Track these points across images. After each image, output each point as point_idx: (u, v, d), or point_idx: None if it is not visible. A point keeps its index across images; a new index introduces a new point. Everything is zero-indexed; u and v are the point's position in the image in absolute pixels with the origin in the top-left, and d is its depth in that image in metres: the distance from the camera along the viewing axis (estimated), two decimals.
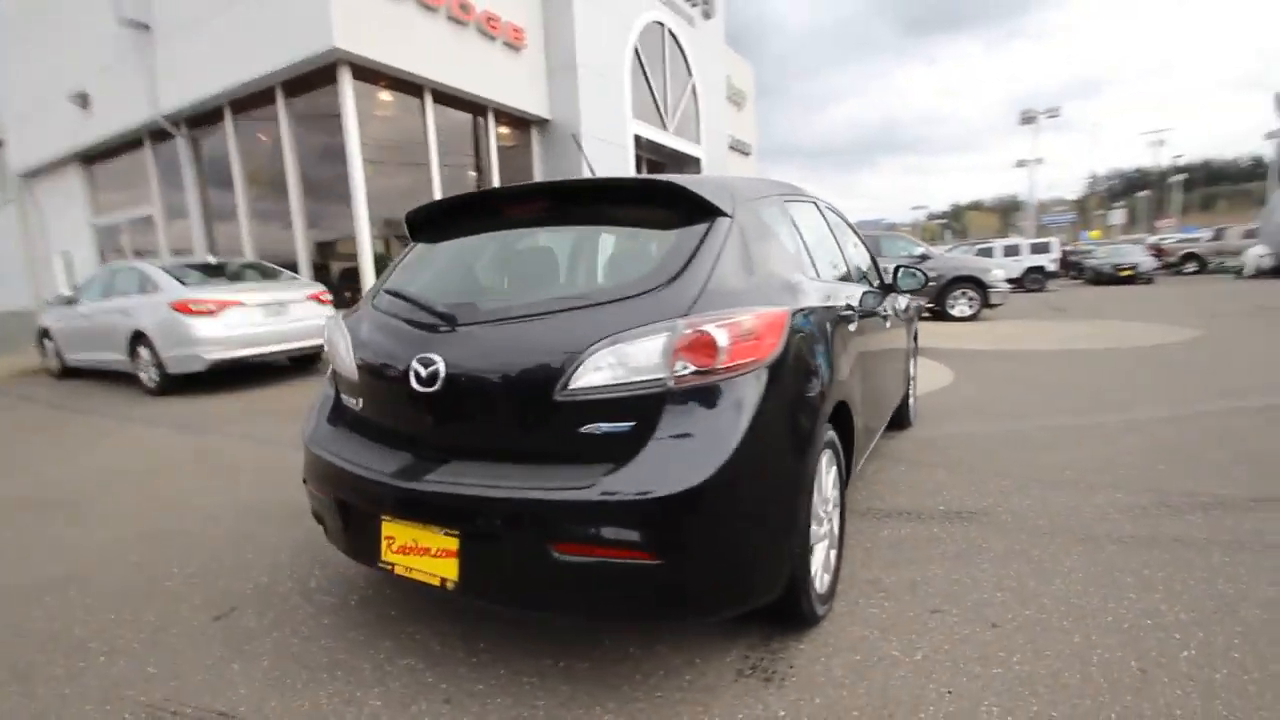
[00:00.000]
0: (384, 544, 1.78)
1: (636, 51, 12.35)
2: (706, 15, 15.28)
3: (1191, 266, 22.96)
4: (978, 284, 9.92)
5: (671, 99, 14.05)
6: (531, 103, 10.55)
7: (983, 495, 3.05)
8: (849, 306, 2.36)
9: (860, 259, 3.25)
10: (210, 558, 2.71)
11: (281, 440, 4.64)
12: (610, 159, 11.55)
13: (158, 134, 10.34)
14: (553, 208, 2.00)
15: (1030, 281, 18.61)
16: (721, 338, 1.54)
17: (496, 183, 10.51)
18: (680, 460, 1.48)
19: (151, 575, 2.57)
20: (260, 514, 3.19)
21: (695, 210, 1.82)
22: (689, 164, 15.38)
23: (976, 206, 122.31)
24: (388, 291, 2.13)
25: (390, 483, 1.72)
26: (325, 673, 1.87)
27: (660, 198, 1.87)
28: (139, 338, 6.62)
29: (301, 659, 1.95)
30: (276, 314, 6.77)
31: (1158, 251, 23.92)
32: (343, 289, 8.25)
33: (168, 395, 6.57)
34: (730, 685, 1.74)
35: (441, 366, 1.71)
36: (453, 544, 1.64)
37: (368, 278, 8.34)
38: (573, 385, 1.58)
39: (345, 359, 2.03)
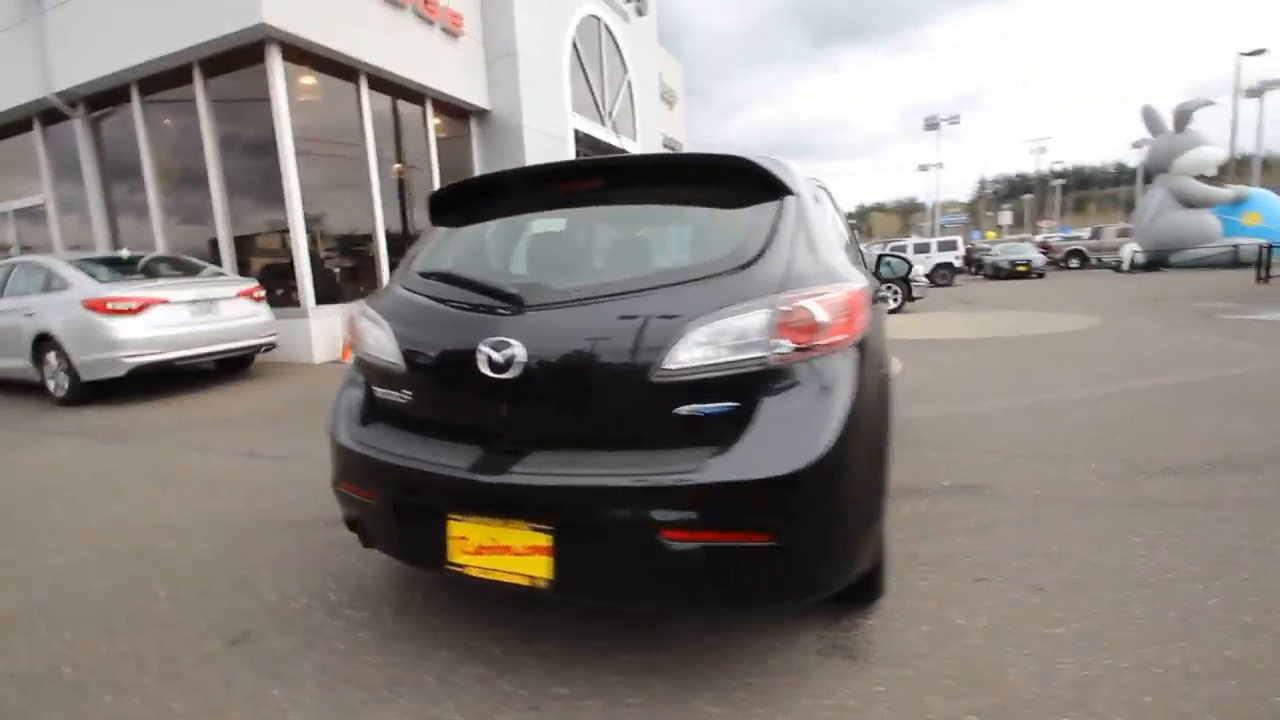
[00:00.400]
0: (453, 545, 1.65)
1: (575, 45, 12.19)
2: (640, 12, 15.30)
3: (1075, 262, 25.23)
4: (901, 279, 10.46)
5: (609, 95, 13.97)
6: (470, 92, 10.18)
7: (977, 471, 3.21)
8: (877, 290, 2.42)
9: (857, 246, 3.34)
10: (196, 577, 2.44)
11: (229, 449, 4.26)
12: (551, 153, 11.34)
13: (50, 115, 9.21)
14: (608, 185, 1.92)
15: (939, 277, 19.90)
16: (820, 314, 1.53)
17: (436, 176, 10.09)
18: (790, 438, 1.46)
19: (133, 601, 2.28)
20: (233, 527, 2.91)
21: (765, 188, 1.80)
22: None
23: (879, 208, 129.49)
24: (426, 274, 1.99)
25: (466, 477, 1.60)
26: (386, 690, 1.72)
27: (727, 175, 1.83)
28: (44, 341, 5.88)
29: (352, 679, 1.78)
30: (205, 312, 6.20)
31: (1046, 249, 26.21)
32: (273, 286, 7.64)
33: (80, 405, 5.88)
34: (818, 666, 1.74)
35: (519, 350, 1.60)
36: (544, 540, 1.54)
37: (304, 274, 7.79)
38: (671, 365, 1.52)
39: (386, 349, 1.88)
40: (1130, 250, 21.81)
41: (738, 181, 1.82)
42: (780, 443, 1.46)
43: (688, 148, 20.75)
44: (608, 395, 1.59)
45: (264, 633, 2.04)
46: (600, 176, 1.93)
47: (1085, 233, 31.02)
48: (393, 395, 1.89)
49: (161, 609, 2.22)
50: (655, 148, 16.71)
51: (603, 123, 13.64)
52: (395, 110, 9.43)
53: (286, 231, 7.82)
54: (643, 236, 2.02)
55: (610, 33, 13.89)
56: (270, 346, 6.92)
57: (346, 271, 8.93)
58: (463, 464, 1.64)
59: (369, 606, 2.16)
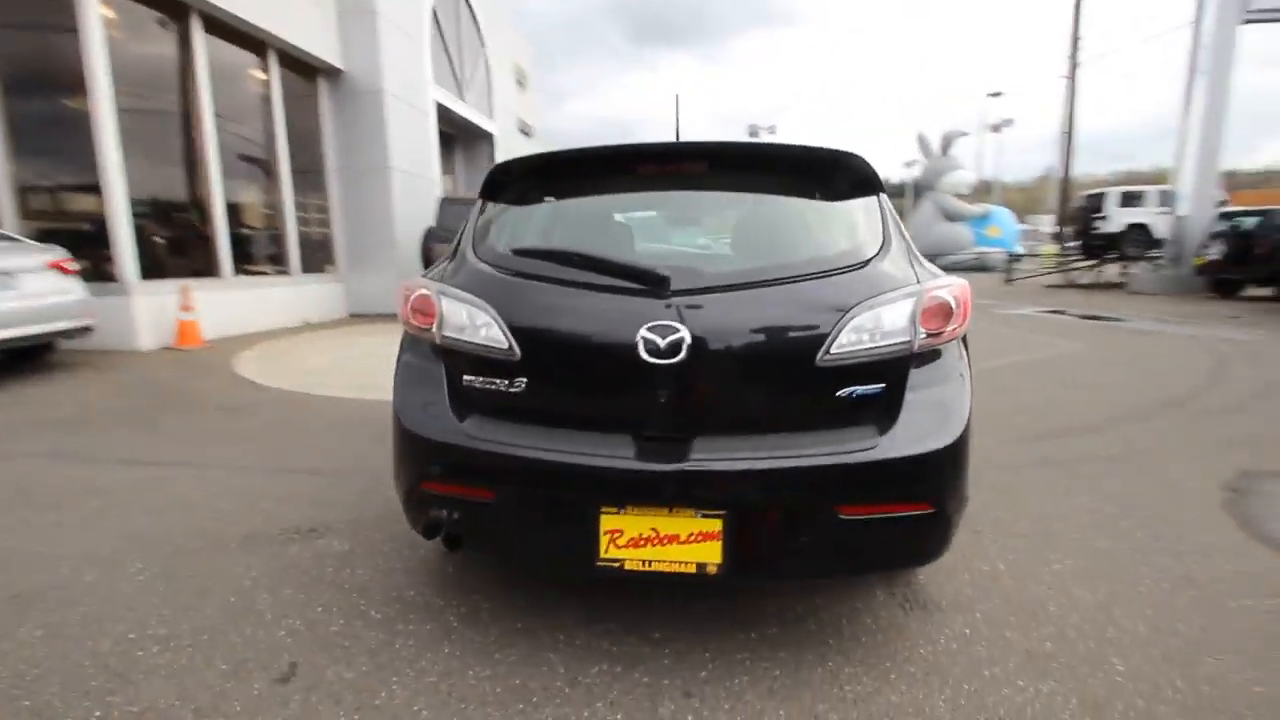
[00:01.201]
0: (605, 540, 1.58)
1: (434, 12, 11.36)
2: None
3: None
4: None
5: (468, 68, 13.24)
6: (322, 47, 9.02)
7: None
8: None
9: None
10: (168, 610, 2.01)
11: (95, 456, 3.49)
12: (415, 125, 10.51)
13: None
14: (711, 170, 1.93)
15: None
16: (954, 305, 1.71)
17: (282, 139, 8.83)
18: (941, 415, 1.63)
19: (96, 651, 1.82)
20: (173, 547, 2.44)
21: (862, 183, 1.92)
22: (482, 139, 14.70)
23: None
24: (527, 253, 1.86)
25: (634, 467, 1.54)
26: (520, 701, 1.60)
27: (823, 168, 1.91)
28: None
29: (465, 696, 1.62)
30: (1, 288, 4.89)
31: None
32: (80, 254, 6.20)
33: None
34: (906, 619, 1.94)
35: (685, 335, 1.58)
36: (714, 525, 1.54)
37: (123, 241, 6.41)
38: (836, 350, 1.60)
39: (488, 334, 1.71)
40: None
41: (832, 175, 1.92)
42: (934, 419, 1.61)
43: (540, 131, 20.36)
44: (773, 379, 1.63)
45: (314, 662, 1.76)
46: (701, 160, 1.93)
47: None
48: (496, 384, 1.73)
49: (150, 656, 1.80)
50: (511, 128, 16.19)
51: (462, 97, 12.91)
52: (232, 59, 8.08)
53: (96, 189, 6.38)
54: (756, 224, 2.04)
55: (468, 4, 13.16)
56: (85, 330, 5.66)
57: (175, 242, 7.53)
58: (621, 454, 1.57)
59: (429, 618, 1.96)
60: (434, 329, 1.81)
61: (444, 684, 1.67)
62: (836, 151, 1.88)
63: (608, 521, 1.58)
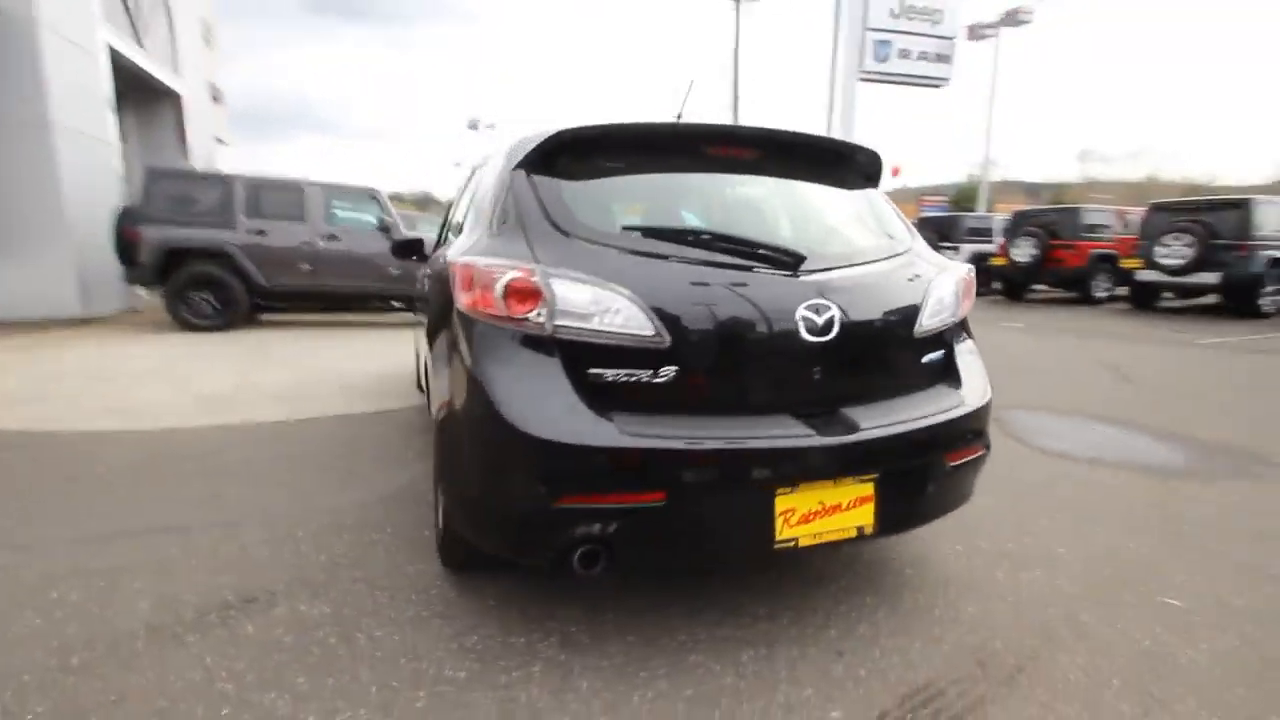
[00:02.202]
0: (779, 522, 1.58)
1: None
2: None
3: None
4: None
5: (145, 9, 10.37)
6: None
7: None
8: None
9: None
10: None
11: None
12: (79, 69, 7.89)
13: None
14: (764, 156, 2.00)
15: None
16: (973, 282, 2.09)
17: None
18: (980, 373, 1.99)
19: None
20: (59, 665, 1.62)
21: (875, 175, 2.17)
22: (166, 101, 11.69)
23: (398, 198, 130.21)
24: (640, 230, 1.70)
25: (812, 445, 1.56)
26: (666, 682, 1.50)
27: (854, 159, 2.11)
28: None
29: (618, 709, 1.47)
30: None
31: None
32: None
33: None
34: (969, 570, 2.23)
35: (836, 312, 1.65)
36: (868, 489, 1.66)
37: None
38: (926, 323, 1.85)
39: (630, 320, 1.55)
40: None
41: (855, 165, 2.13)
42: (979, 376, 1.97)
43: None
44: (889, 349, 1.81)
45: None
46: (759, 146, 1.99)
47: None
48: (639, 375, 1.56)
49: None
50: (201, 88, 13.23)
51: (140, 44, 10.10)
52: None
53: None
54: (817, 208, 2.11)
55: None
56: None
57: None
58: (796, 433, 1.58)
59: (531, 658, 1.68)
60: (540, 317, 1.55)
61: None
62: (860, 144, 2.11)
63: (782, 502, 1.58)
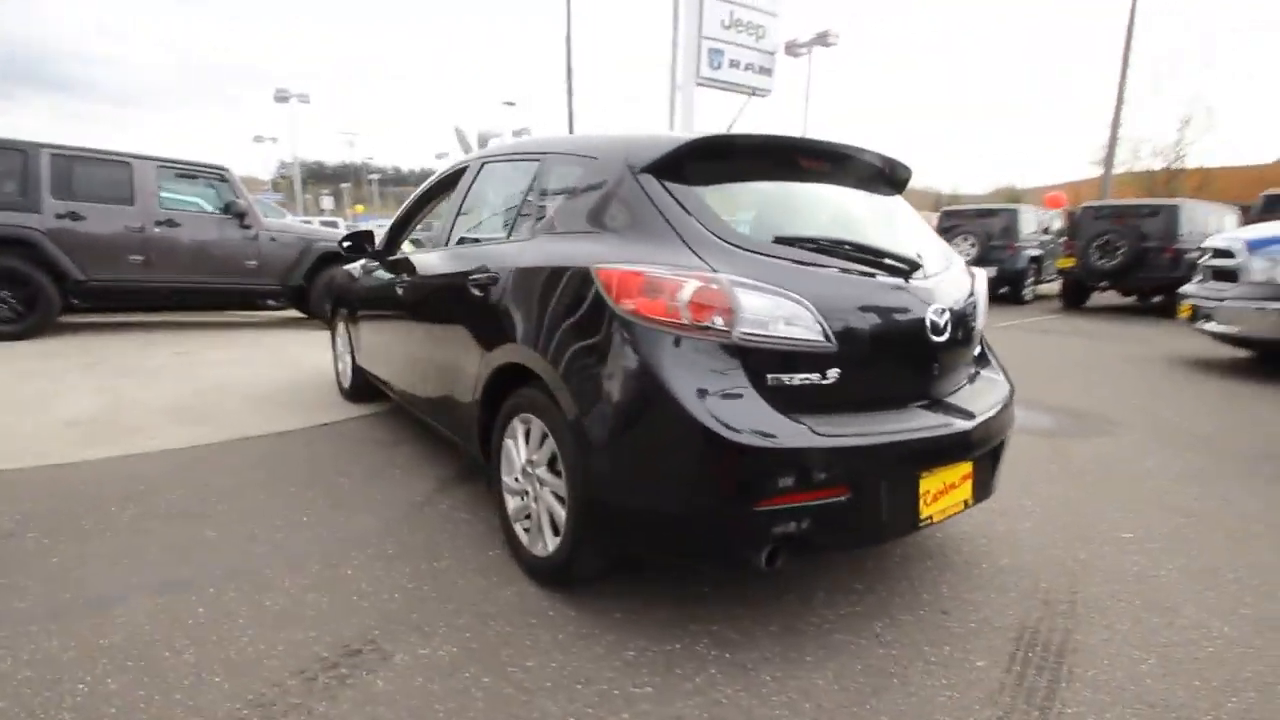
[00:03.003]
0: (921, 501, 1.78)
1: None
2: None
3: None
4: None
5: None
6: None
7: None
8: None
9: None
10: None
11: None
12: None
13: None
14: (833, 167, 2.17)
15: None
16: None
17: None
18: (996, 360, 2.38)
19: None
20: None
21: (899, 185, 2.45)
22: None
23: None
24: (789, 240, 1.79)
25: (949, 433, 1.78)
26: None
27: (895, 170, 2.34)
28: None
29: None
30: None
31: None
32: None
33: None
34: (961, 521, 2.60)
35: (949, 314, 1.88)
36: (969, 468, 1.93)
37: None
38: (980, 319, 2.17)
39: (805, 328, 1.64)
40: None
41: (896, 176, 2.38)
42: (1000, 364, 2.35)
43: None
44: (969, 345, 2.08)
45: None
46: (836, 159, 2.16)
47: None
48: (809, 378, 1.66)
49: None
50: None
51: None
52: None
53: None
54: (887, 216, 2.26)
55: None
56: None
57: None
58: (931, 424, 1.79)
59: (698, 666, 1.70)
60: (724, 325, 1.59)
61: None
62: (895, 158, 2.34)
63: (924, 485, 1.79)
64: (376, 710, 1.50)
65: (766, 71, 19.26)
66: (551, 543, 1.96)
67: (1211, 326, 5.79)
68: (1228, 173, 29.85)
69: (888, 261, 1.90)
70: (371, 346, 3.58)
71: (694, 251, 1.69)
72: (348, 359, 4.12)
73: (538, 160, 2.35)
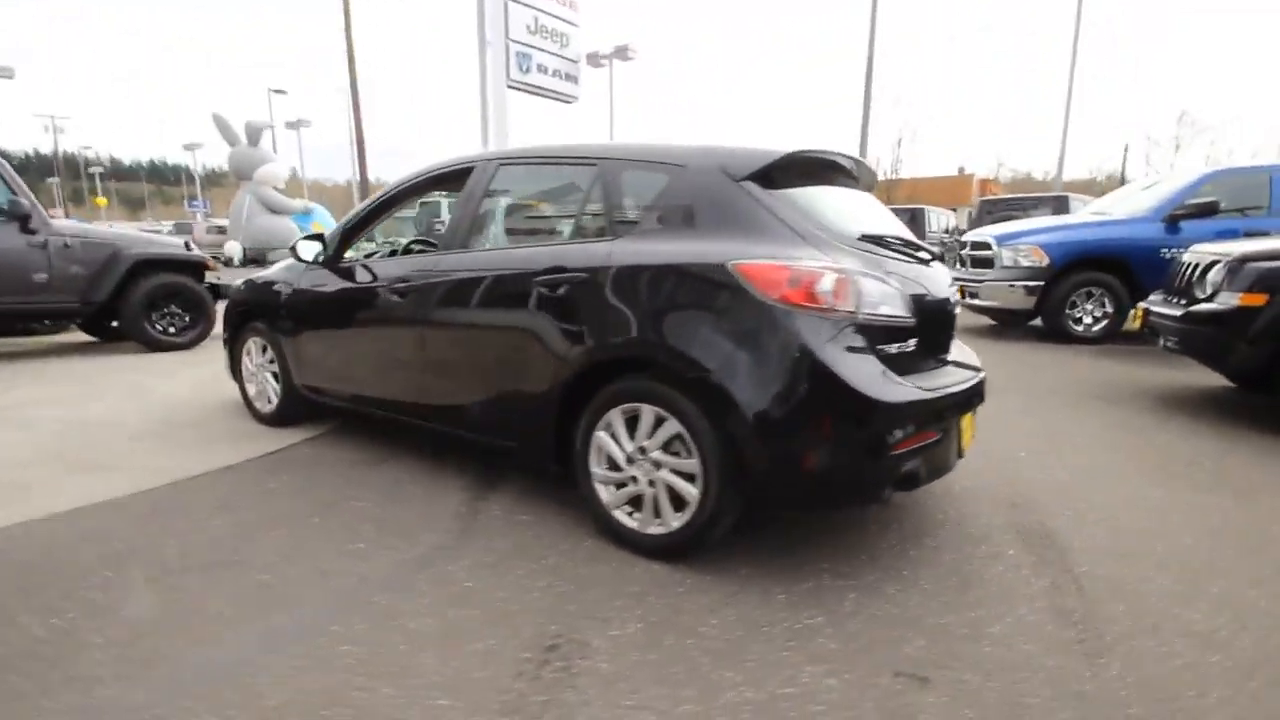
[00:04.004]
0: (961, 439, 2.31)
1: None
2: None
3: None
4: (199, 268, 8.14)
5: None
6: None
7: None
8: None
9: None
10: None
11: None
12: None
13: None
14: (849, 174, 2.62)
15: None
16: None
17: None
18: None
19: None
20: None
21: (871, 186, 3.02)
22: None
23: None
24: (867, 238, 2.18)
25: (976, 385, 2.32)
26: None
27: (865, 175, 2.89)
28: None
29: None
30: None
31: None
32: None
33: None
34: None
35: (953, 289, 2.43)
36: (971, 416, 2.51)
37: None
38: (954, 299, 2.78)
39: (899, 308, 2.06)
40: (236, 247, 23.99)
41: (869, 180, 2.92)
42: None
43: None
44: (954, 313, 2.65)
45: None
46: (848, 168, 2.62)
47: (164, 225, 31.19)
48: (897, 347, 2.08)
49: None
50: None
51: None
52: None
53: None
54: (884, 211, 2.69)
55: None
56: None
57: None
58: (964, 377, 2.30)
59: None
60: (851, 307, 1.94)
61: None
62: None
63: (963, 424, 2.31)
64: (624, 683, 1.60)
65: (573, 79, 19.79)
66: (676, 520, 2.13)
67: (975, 302, 7.55)
68: (925, 182, 37.59)
69: (921, 252, 2.40)
70: (330, 361, 3.26)
71: (813, 247, 2.01)
72: (268, 380, 3.64)
73: (592, 165, 2.45)
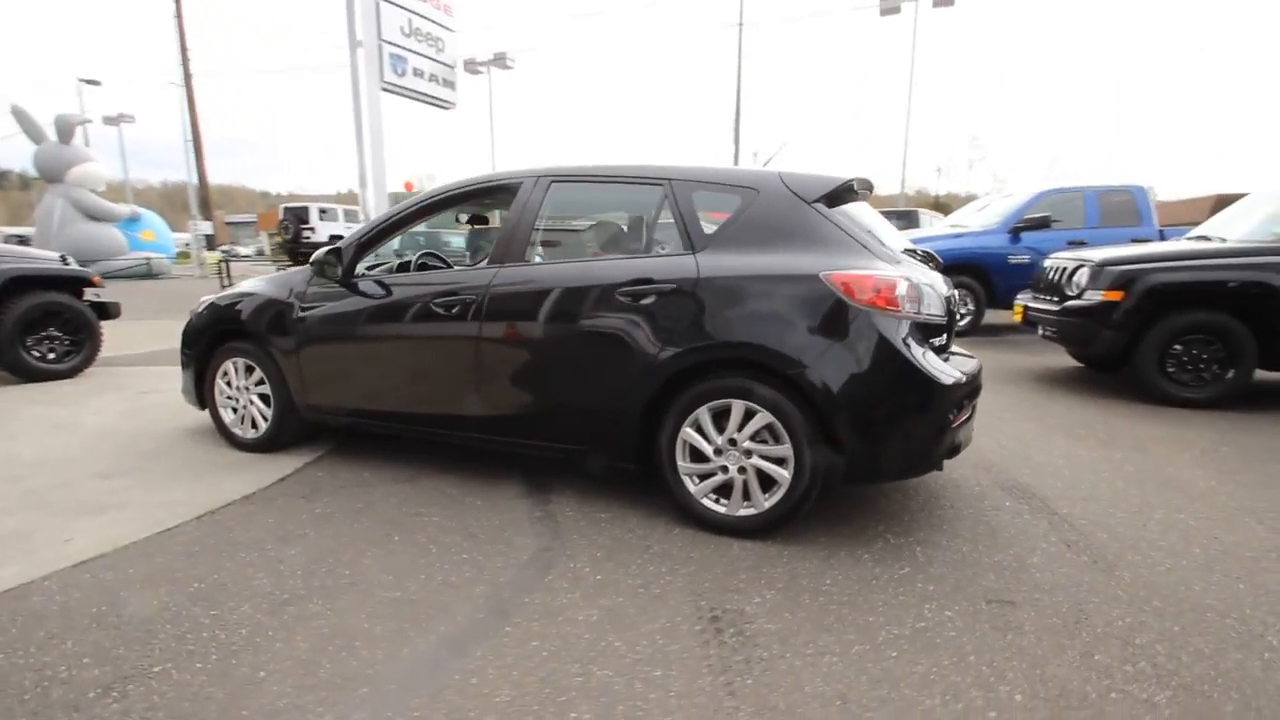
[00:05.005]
0: (972, 416, 2.81)
1: None
2: None
3: None
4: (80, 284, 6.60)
5: None
6: None
7: None
8: None
9: None
10: None
11: None
12: None
13: None
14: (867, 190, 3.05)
15: None
16: None
17: None
18: None
19: None
20: None
21: None
22: None
23: None
24: (907, 250, 2.59)
25: (979, 366, 2.82)
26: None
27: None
28: None
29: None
30: None
31: None
32: None
33: None
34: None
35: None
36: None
37: None
38: None
39: (939, 307, 2.50)
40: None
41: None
42: None
43: None
44: None
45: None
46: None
47: None
48: (937, 340, 2.52)
49: None
50: None
51: None
52: None
53: None
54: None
55: None
56: None
57: None
58: (974, 365, 2.78)
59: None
60: (916, 309, 2.36)
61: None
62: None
63: (973, 403, 2.81)
64: (796, 637, 1.85)
65: (450, 85, 19.36)
66: (767, 500, 2.41)
67: None
68: None
69: (930, 261, 2.88)
70: (355, 379, 3.14)
71: (880, 259, 2.39)
72: (254, 404, 3.39)
73: (658, 185, 2.65)
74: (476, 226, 4.23)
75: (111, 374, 5.53)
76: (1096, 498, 2.91)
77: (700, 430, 2.48)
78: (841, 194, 2.57)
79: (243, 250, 35.32)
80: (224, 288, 16.98)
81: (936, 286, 2.62)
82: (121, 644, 1.78)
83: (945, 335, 2.75)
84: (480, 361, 2.81)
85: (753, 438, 2.41)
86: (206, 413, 3.63)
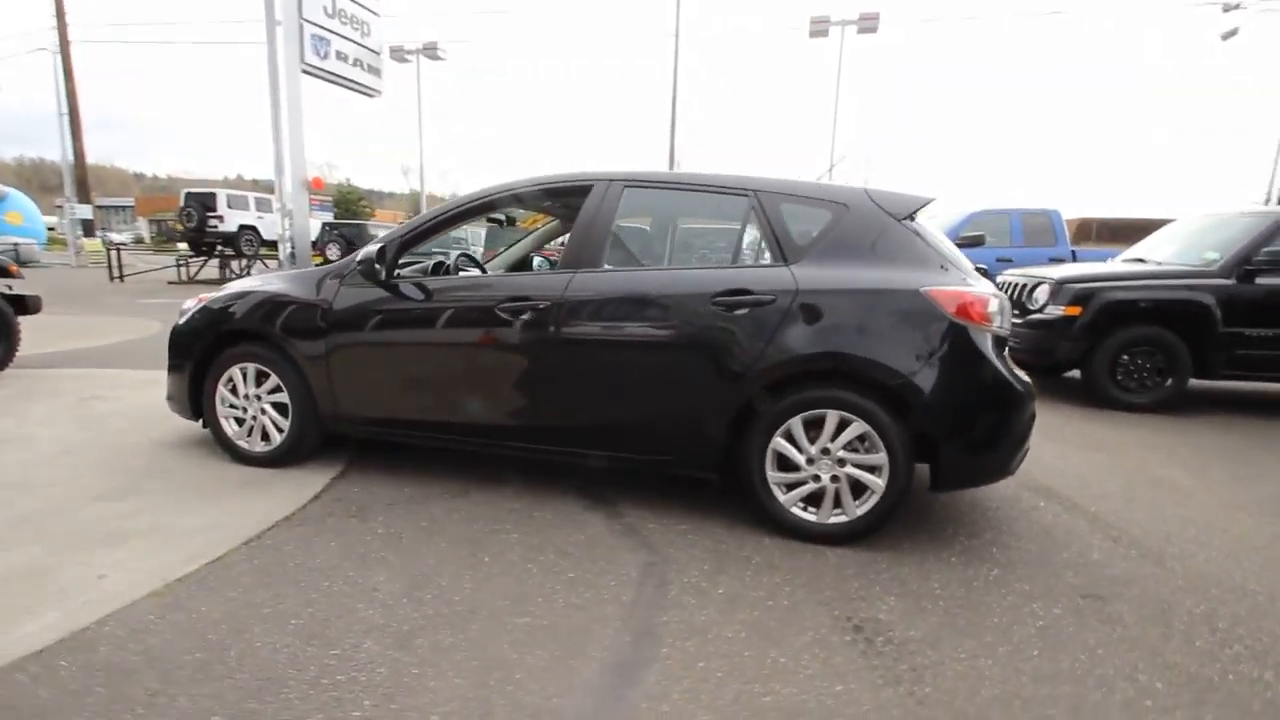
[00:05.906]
0: None
1: None
2: None
3: None
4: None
5: None
6: None
7: None
8: None
9: None
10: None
11: None
12: None
13: None
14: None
15: None
16: None
17: None
18: None
19: None
20: None
21: None
22: None
23: None
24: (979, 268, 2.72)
25: None
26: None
27: None
28: None
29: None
30: None
31: None
32: None
33: None
34: None
35: None
36: None
37: None
38: None
39: (1008, 321, 2.66)
40: None
41: None
42: None
43: None
44: None
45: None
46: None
47: None
48: (1004, 352, 2.68)
49: None
50: None
51: None
52: None
53: None
54: None
55: None
56: None
57: None
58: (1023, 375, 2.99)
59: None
60: (1000, 324, 2.50)
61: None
62: None
63: None
64: (942, 639, 1.91)
65: (375, 71, 18.26)
66: (859, 508, 2.47)
67: None
68: None
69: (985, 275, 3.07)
70: (398, 387, 2.92)
71: (965, 274, 2.51)
72: (267, 413, 3.06)
73: (744, 196, 2.64)
74: (493, 224, 4.05)
75: (34, 377, 4.79)
76: (1110, 496, 3.20)
77: (792, 440, 2.50)
78: (920, 212, 2.68)
79: (116, 237, 31.74)
80: (114, 279, 15.32)
81: (1005, 301, 2.80)
82: (250, 696, 1.55)
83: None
84: (555, 369, 2.69)
85: (846, 446, 2.47)
86: (187, 424, 3.25)
